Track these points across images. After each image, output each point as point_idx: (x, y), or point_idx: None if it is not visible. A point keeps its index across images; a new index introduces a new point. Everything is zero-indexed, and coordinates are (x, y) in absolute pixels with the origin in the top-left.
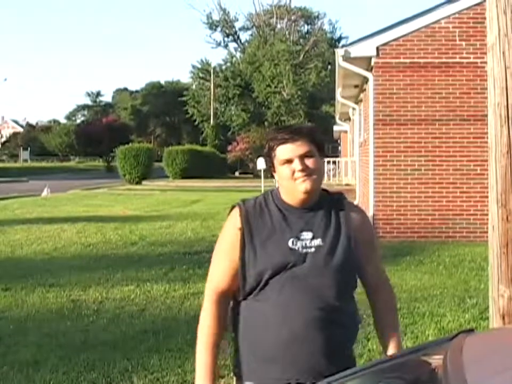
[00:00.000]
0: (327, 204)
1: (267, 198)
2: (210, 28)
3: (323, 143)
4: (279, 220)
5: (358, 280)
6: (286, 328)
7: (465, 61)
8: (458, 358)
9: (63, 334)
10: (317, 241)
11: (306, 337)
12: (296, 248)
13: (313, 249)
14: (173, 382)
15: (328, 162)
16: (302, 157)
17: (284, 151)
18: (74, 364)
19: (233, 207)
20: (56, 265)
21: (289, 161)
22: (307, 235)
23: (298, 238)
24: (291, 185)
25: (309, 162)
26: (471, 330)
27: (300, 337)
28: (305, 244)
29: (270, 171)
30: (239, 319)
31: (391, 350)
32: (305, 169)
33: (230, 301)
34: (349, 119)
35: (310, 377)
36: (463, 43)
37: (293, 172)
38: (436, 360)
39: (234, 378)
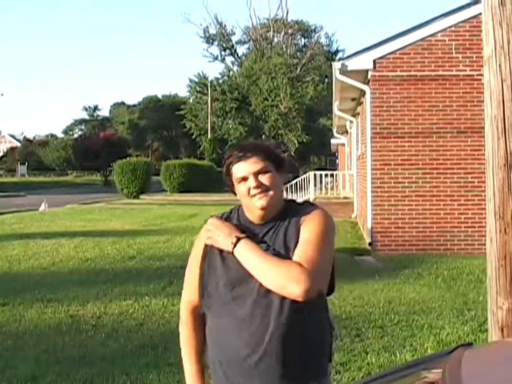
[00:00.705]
0: (289, 214)
1: (233, 214)
2: (207, 42)
3: (281, 158)
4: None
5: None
6: (241, 342)
7: (461, 73)
8: (457, 372)
9: (61, 349)
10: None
11: (265, 351)
12: None
13: None
14: None
15: (326, 175)
16: (256, 174)
17: (239, 169)
18: (73, 379)
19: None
20: (54, 280)
21: (244, 178)
22: (261, 247)
23: None
24: (248, 202)
25: (264, 178)
26: (469, 344)
27: (256, 350)
28: None
29: (231, 189)
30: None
31: None
32: (260, 185)
33: None
34: (346, 132)
35: None
36: (460, 56)
37: (249, 189)
38: (434, 374)
39: None
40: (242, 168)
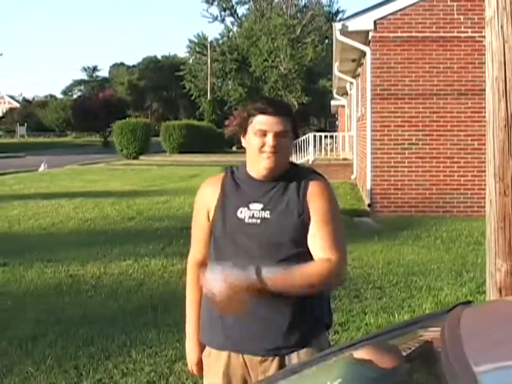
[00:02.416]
0: (291, 178)
1: (239, 168)
2: (207, 2)
3: (297, 124)
4: (238, 189)
5: None
6: None
7: (463, 35)
8: (456, 330)
9: (62, 309)
10: (265, 213)
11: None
12: (243, 217)
13: (259, 221)
14: (171, 356)
15: (326, 137)
16: (276, 134)
17: (262, 121)
18: (73, 338)
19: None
20: (54, 241)
21: (263, 133)
22: (257, 206)
23: (248, 208)
24: (256, 157)
25: (282, 141)
26: (468, 302)
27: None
28: (253, 215)
29: (240, 134)
30: None
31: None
32: (275, 146)
33: None
34: (346, 93)
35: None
36: (461, 17)
37: (262, 145)
38: (433, 332)
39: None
40: (267, 123)
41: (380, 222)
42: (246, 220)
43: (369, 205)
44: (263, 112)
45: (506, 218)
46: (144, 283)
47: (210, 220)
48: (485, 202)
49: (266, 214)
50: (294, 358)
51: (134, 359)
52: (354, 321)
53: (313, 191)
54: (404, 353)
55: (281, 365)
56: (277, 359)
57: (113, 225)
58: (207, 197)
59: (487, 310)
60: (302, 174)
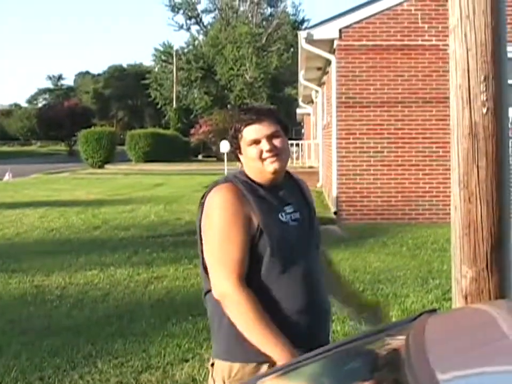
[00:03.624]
0: (290, 179)
1: (241, 177)
2: (173, 10)
3: (287, 123)
4: (264, 196)
5: None
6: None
7: (427, 43)
8: (420, 338)
9: (26, 319)
10: (297, 214)
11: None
12: (286, 221)
13: (296, 223)
14: (137, 366)
15: (292, 145)
16: (269, 137)
17: (251, 131)
18: (38, 349)
19: (212, 187)
20: (19, 251)
21: (256, 141)
22: (290, 208)
23: (285, 212)
24: (259, 166)
25: (277, 142)
26: (433, 311)
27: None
28: (291, 217)
29: (235, 153)
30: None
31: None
32: (273, 149)
33: None
34: (312, 101)
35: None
36: (426, 25)
37: (261, 152)
38: (398, 340)
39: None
40: (256, 131)
41: (346, 230)
42: (290, 223)
43: (335, 213)
44: (248, 123)
45: (471, 225)
46: (110, 293)
47: (254, 231)
48: (450, 209)
49: (298, 214)
50: None
51: (100, 369)
52: None
53: (310, 192)
54: (370, 362)
55: None
56: None
57: (78, 234)
58: (244, 207)
59: (452, 317)
60: (293, 177)
